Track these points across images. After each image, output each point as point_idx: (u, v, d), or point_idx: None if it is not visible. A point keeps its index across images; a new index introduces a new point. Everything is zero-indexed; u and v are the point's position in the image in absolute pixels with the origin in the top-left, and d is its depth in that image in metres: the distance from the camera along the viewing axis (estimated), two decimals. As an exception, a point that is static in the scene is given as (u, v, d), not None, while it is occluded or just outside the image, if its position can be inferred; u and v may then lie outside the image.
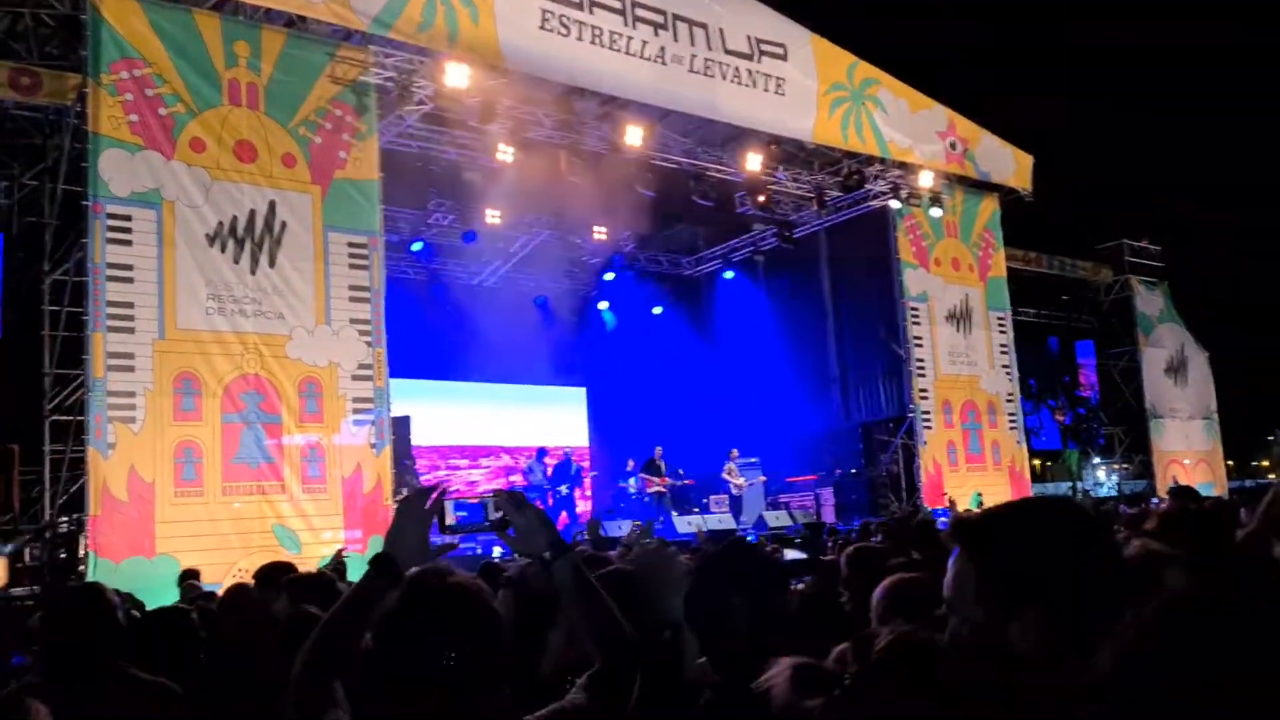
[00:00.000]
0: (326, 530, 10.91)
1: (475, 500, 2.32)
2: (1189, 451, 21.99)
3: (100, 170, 10.16)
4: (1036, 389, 22.42)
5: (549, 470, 16.54)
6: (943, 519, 12.48)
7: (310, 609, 2.99)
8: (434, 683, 1.70)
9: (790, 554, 9.08)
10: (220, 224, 10.83)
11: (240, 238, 10.95)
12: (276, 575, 4.38)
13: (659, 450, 17.53)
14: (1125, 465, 22.71)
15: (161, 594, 7.68)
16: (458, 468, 18.58)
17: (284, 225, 11.21)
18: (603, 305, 20.83)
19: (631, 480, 17.00)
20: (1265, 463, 33.33)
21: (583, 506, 17.74)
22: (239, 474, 10.56)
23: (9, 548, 10.06)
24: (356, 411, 11.46)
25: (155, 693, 2.96)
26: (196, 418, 10.41)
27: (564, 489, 16.36)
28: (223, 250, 10.82)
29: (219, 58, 11.01)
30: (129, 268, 10.25)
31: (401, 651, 1.72)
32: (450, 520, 2.24)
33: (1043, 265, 21.20)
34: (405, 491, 11.37)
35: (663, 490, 16.83)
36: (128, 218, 10.29)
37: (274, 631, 3.08)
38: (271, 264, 11.10)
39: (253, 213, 11.05)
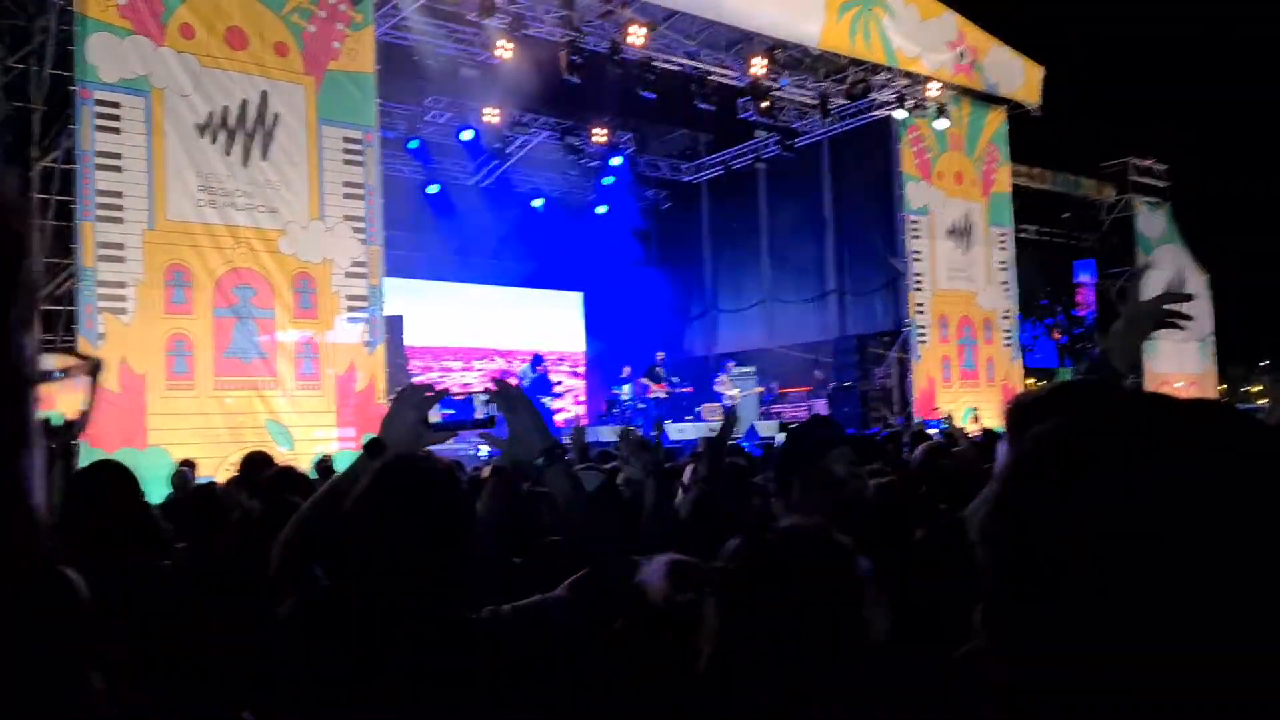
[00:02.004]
0: (319, 428, 10.94)
1: (462, 396, 2.28)
2: (1181, 374, 22.05)
3: (88, 55, 9.91)
4: (1046, 304, 22.35)
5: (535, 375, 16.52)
6: (932, 429, 12.53)
7: (293, 498, 2.98)
8: (400, 566, 1.65)
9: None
10: (211, 114, 10.62)
11: (231, 129, 10.74)
12: (260, 467, 4.38)
13: (660, 356, 17.51)
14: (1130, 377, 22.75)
15: (152, 486, 7.69)
16: (451, 370, 18.58)
17: (276, 117, 11.00)
18: (600, 209, 20.61)
19: (625, 386, 16.99)
20: (1257, 388, 33.51)
21: (575, 410, 17.78)
22: (231, 368, 10.54)
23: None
24: (350, 309, 11.41)
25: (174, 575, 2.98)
26: (187, 310, 10.35)
27: (545, 400, 16.35)
28: (213, 141, 10.63)
29: (209, -61, 10.67)
30: (118, 156, 10.07)
31: (367, 534, 1.68)
32: (435, 418, 2.22)
33: (1046, 181, 20.96)
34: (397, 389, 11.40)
35: (663, 396, 16.85)
36: (116, 105, 10.07)
37: (246, 523, 3.09)
38: (264, 156, 10.91)
39: (244, 103, 10.83)
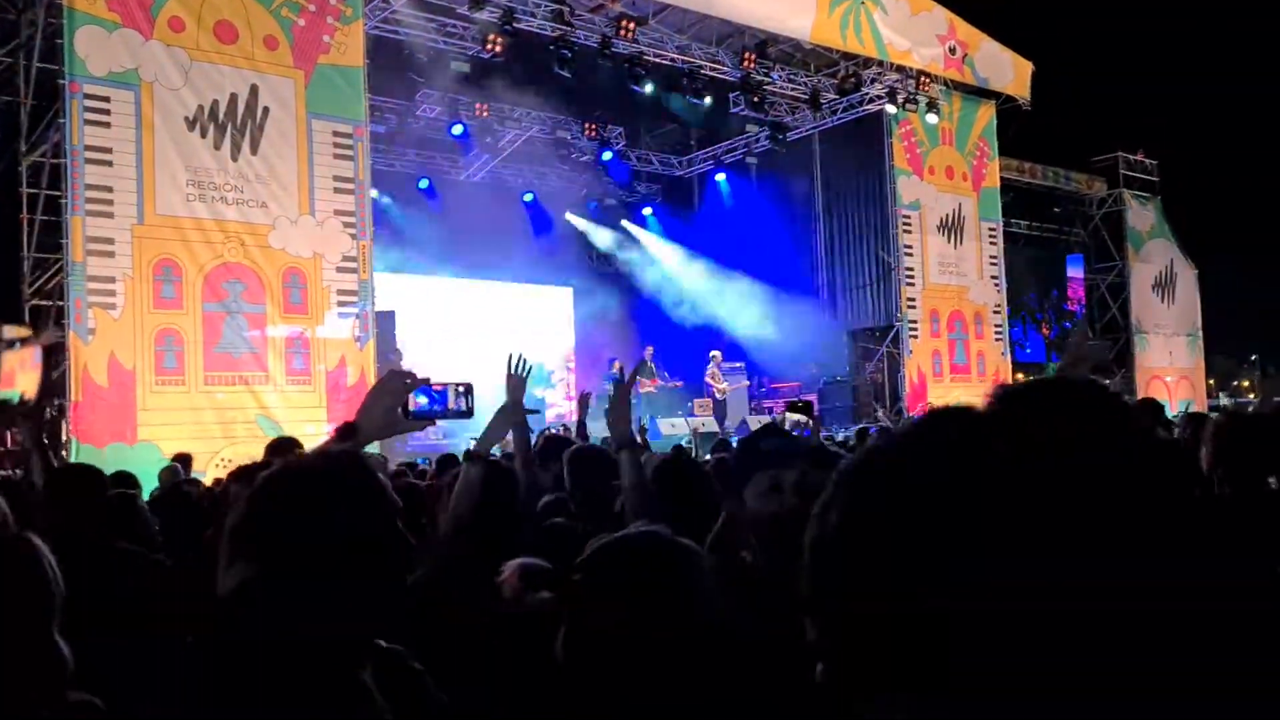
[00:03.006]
0: (310, 423, 10.92)
1: (439, 388, 2.29)
2: (1171, 368, 22.14)
3: (76, 48, 9.88)
4: (1035, 301, 22.41)
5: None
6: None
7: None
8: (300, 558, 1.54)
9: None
10: (200, 107, 10.59)
11: (221, 122, 10.71)
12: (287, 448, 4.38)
13: (649, 351, 17.50)
14: (1107, 381, 22.87)
15: (143, 481, 7.68)
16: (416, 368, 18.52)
17: (266, 111, 10.97)
18: (591, 204, 20.61)
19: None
20: (1246, 382, 33.65)
21: (564, 408, 17.76)
22: (221, 363, 10.52)
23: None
24: (340, 304, 11.39)
25: (144, 565, 3.00)
26: (177, 305, 10.32)
27: (539, 392, 16.35)
28: (203, 135, 10.60)
29: (198, -67, 10.63)
30: (107, 150, 10.03)
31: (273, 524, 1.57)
32: (413, 407, 2.23)
33: (1036, 176, 21.02)
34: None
35: (652, 391, 16.84)
36: (106, 99, 10.04)
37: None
38: (254, 151, 10.88)
39: (234, 97, 10.79)
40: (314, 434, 10.77)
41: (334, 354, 11.30)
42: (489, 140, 17.44)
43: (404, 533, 1.61)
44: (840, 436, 11.10)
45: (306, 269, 11.18)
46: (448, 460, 6.35)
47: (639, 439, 5.87)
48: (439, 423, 2.47)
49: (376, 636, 1.59)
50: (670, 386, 17.47)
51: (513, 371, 3.42)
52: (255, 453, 8.05)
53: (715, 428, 15.63)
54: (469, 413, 2.33)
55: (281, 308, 10.98)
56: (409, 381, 2.19)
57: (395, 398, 2.16)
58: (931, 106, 16.76)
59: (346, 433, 2.09)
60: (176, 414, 10.15)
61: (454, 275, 18.46)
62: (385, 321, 13.75)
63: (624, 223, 21.01)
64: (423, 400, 2.24)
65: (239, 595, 1.53)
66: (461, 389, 2.33)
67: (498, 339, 18.94)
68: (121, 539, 3.18)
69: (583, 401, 6.51)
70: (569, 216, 20.42)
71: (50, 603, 1.75)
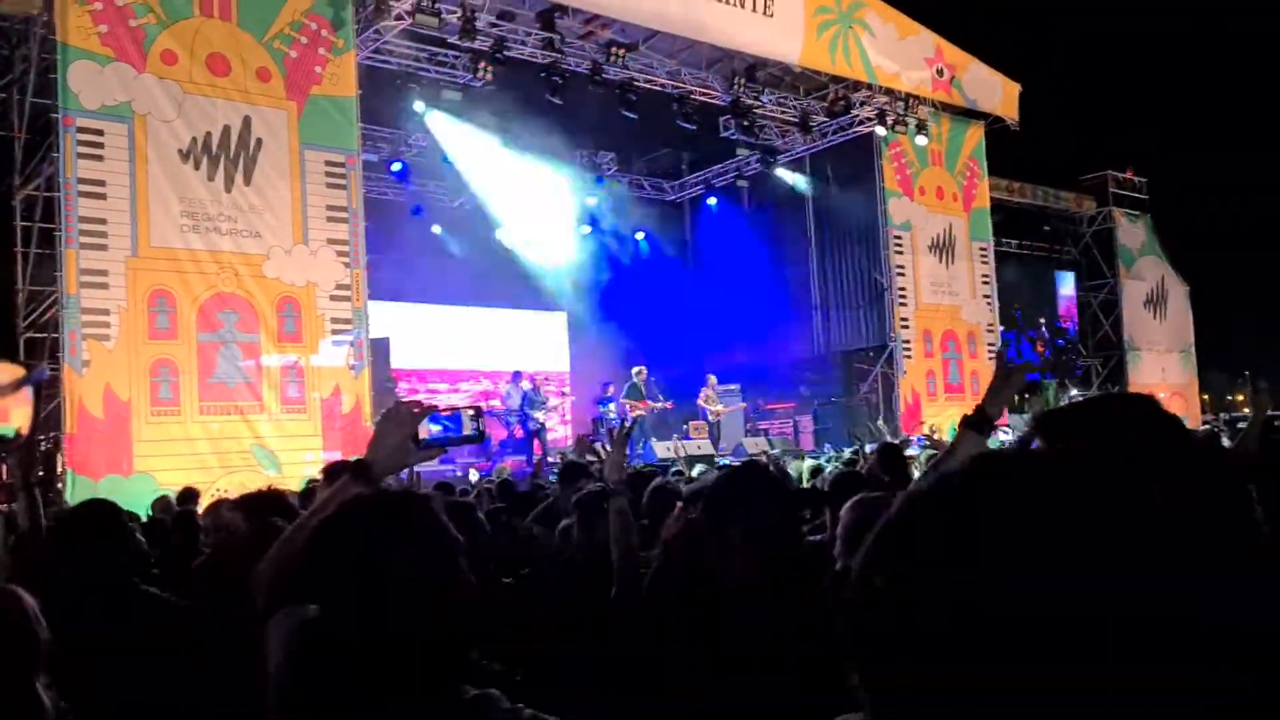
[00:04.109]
0: (306, 451, 10.93)
1: (450, 413, 2.29)
2: (1164, 384, 22.20)
3: (70, 82, 9.94)
4: (1021, 319, 22.47)
5: (522, 395, 16.52)
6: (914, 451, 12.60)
7: (276, 520, 2.99)
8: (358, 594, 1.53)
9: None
10: (194, 139, 10.65)
11: (214, 154, 10.77)
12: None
13: (641, 372, 17.46)
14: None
15: (139, 513, 7.69)
16: (437, 391, 18.56)
17: (259, 142, 11.04)
18: (584, 229, 20.66)
19: (611, 406, 17.00)
20: (1240, 397, 33.73)
21: (560, 432, 17.76)
22: (216, 393, 10.53)
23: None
24: (335, 332, 11.42)
25: (166, 610, 2.98)
26: (171, 336, 10.34)
27: (539, 415, 16.34)
28: (196, 167, 10.65)
29: (191, -33, 10.73)
30: (101, 183, 10.08)
31: (329, 560, 1.57)
32: (424, 435, 2.17)
33: (1026, 196, 21.16)
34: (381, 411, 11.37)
35: (642, 414, 16.81)
36: (99, 132, 10.10)
37: (239, 545, 3.10)
38: (247, 182, 10.94)
39: (226, 128, 10.86)
40: (310, 461, 10.79)
41: (328, 382, 11.31)
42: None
43: (466, 572, 1.59)
44: (828, 457, 11.10)
45: (300, 298, 11.21)
46: (445, 488, 6.38)
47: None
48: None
49: (447, 678, 1.55)
50: (660, 408, 17.45)
51: (617, 431, 3.62)
52: (250, 482, 8.06)
53: (711, 450, 15.63)
54: (481, 436, 2.28)
55: (275, 337, 11.00)
56: (418, 410, 2.12)
57: (406, 427, 2.09)
58: (921, 128, 16.89)
59: (359, 470, 2.02)
60: (172, 445, 10.15)
61: (448, 302, 18.51)
62: (380, 348, 13.78)
63: (616, 247, 21.07)
64: (434, 428, 2.18)
65: (304, 638, 1.54)
66: (473, 412, 2.27)
67: (492, 362, 19.04)
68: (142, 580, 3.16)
69: (580, 444, 6.60)
70: (561, 242, 20.47)
71: (31, 654, 1.74)
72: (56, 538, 3.12)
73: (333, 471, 4.11)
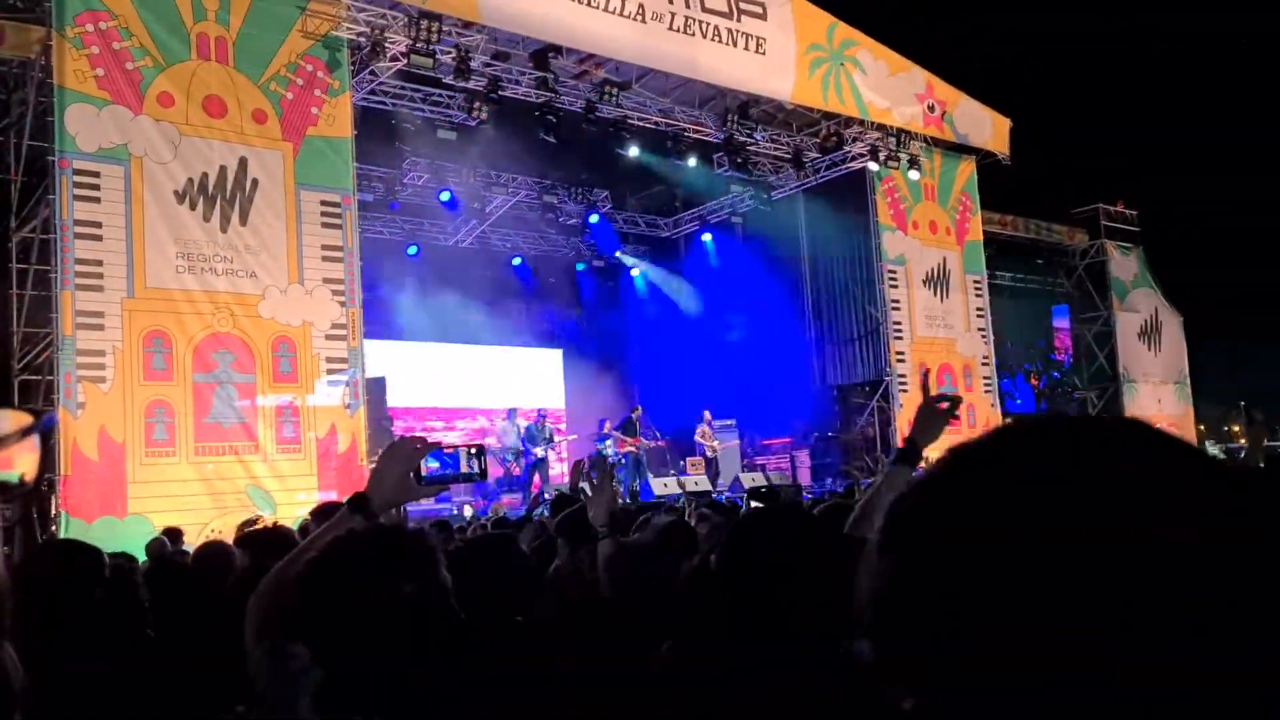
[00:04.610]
0: (301, 491, 10.88)
1: (450, 450, 2.29)
2: (1160, 415, 22.20)
3: (66, 125, 9.98)
4: (1013, 351, 22.54)
5: (521, 430, 16.52)
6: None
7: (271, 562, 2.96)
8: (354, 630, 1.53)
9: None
10: (190, 180, 10.69)
11: (211, 195, 10.81)
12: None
13: (638, 411, 17.52)
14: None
15: (134, 555, 7.64)
16: (434, 429, 18.56)
17: (255, 183, 11.08)
18: (579, 267, 20.79)
19: (608, 443, 17.00)
20: (1235, 428, 33.75)
21: (557, 469, 17.75)
22: (211, 434, 10.50)
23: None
24: (330, 372, 11.40)
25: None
26: (167, 377, 10.32)
27: (539, 451, 16.33)
28: (192, 208, 10.69)
29: (187, 11, 10.82)
30: (97, 225, 10.10)
31: (326, 595, 1.57)
32: (425, 473, 2.18)
33: (1019, 229, 21.28)
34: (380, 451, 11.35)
35: (635, 450, 16.81)
36: (96, 174, 10.13)
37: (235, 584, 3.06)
38: (243, 222, 10.97)
39: (223, 169, 10.91)
40: (305, 501, 10.74)
41: (324, 422, 11.28)
42: (476, 205, 17.64)
43: (456, 609, 1.60)
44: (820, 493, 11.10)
45: (296, 337, 11.21)
46: (443, 526, 6.35)
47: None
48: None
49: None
50: (654, 446, 17.44)
51: (600, 468, 3.67)
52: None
53: (709, 486, 15.61)
54: (483, 475, 2.30)
55: (271, 377, 10.98)
56: (419, 447, 2.13)
57: (407, 464, 2.10)
58: (913, 163, 17.01)
59: (358, 503, 2.04)
60: (166, 486, 10.10)
61: (444, 340, 18.55)
62: (377, 387, 13.79)
63: (611, 284, 21.19)
64: (434, 465, 2.20)
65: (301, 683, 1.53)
66: (473, 450, 2.31)
67: (488, 399, 19.02)
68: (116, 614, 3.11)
69: (576, 470, 6.51)
70: (556, 280, 20.58)
71: (6, 710, 1.72)
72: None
73: (322, 512, 4.08)
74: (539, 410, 16.94)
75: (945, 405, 2.68)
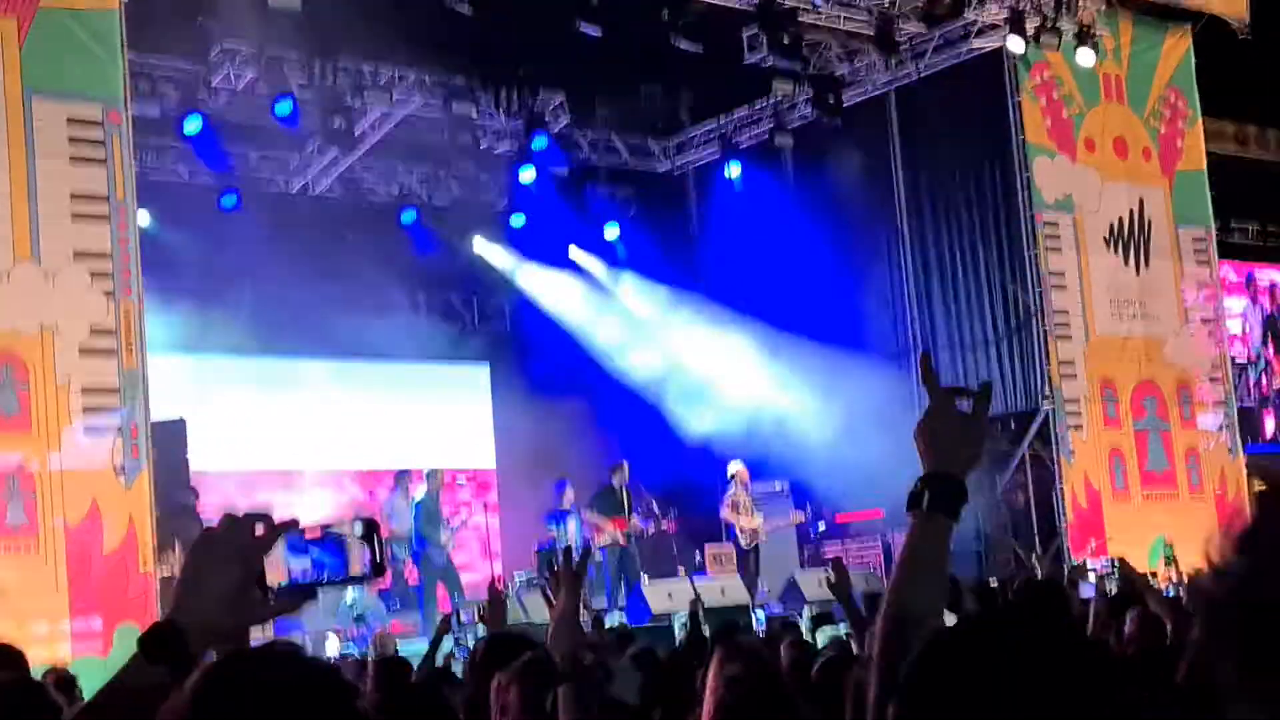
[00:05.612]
0: (37, 620, 10.81)
1: (318, 535, 2.24)
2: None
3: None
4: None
5: (414, 508, 16.51)
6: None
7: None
8: None
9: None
10: None
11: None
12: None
13: (622, 469, 17.34)
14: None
15: None
16: (275, 505, 18.47)
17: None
18: (516, 222, 20.73)
19: (570, 522, 16.86)
20: None
21: (469, 578, 17.49)
22: None
23: None
24: (89, 411, 11.36)
25: None
26: None
27: (444, 541, 16.30)
28: None
29: None
30: None
31: None
32: (279, 577, 2.15)
33: (1268, 149, 21.33)
34: (178, 546, 11.22)
35: (619, 541, 16.63)
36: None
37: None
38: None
39: None
40: (45, 635, 10.67)
41: (80, 498, 11.25)
42: (338, 124, 17.54)
43: None
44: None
45: (29, 354, 11.16)
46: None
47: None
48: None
49: None
50: (652, 531, 17.34)
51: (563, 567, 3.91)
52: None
53: (743, 595, 15.53)
54: (378, 570, 2.27)
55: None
56: (265, 533, 2.10)
57: (242, 565, 2.06)
58: (1084, 38, 17.00)
59: (160, 640, 1.99)
60: None
61: (286, 354, 18.48)
62: (170, 438, 13.70)
63: (571, 251, 21.12)
64: (296, 563, 2.16)
65: None
66: (360, 530, 2.24)
67: (364, 457, 18.93)
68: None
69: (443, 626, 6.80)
70: (477, 246, 20.51)
71: None
72: None
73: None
74: (449, 470, 16.85)
75: (968, 401, 2.58)
